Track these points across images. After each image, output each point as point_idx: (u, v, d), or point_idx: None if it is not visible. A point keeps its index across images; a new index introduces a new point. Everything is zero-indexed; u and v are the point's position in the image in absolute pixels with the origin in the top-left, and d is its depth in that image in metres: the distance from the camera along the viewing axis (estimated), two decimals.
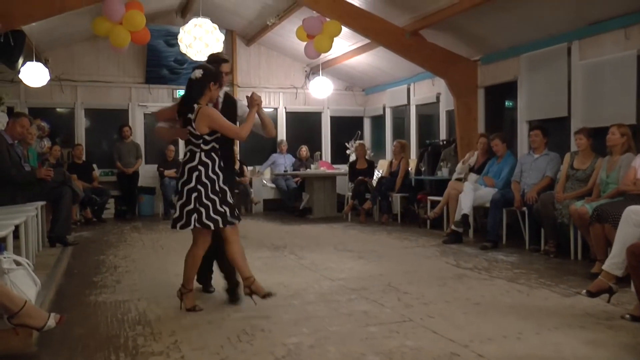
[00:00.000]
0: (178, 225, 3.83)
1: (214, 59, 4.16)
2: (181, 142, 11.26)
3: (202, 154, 3.79)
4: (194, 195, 3.75)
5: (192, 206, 3.75)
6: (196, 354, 3.03)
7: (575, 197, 5.60)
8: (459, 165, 7.73)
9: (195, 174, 3.76)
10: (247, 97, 4.05)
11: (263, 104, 4.12)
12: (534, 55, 7.38)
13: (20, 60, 8.27)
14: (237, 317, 3.73)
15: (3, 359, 2.97)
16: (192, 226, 3.78)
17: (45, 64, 9.24)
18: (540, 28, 6.99)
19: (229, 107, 4.22)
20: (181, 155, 11.02)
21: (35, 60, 8.60)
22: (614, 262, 3.77)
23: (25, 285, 3.29)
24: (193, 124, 3.77)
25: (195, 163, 3.78)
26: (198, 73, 3.80)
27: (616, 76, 6.23)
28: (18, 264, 3.38)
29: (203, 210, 3.74)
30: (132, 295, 4.40)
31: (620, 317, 3.60)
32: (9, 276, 3.20)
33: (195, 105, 3.78)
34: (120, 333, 3.44)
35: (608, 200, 5.09)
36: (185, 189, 3.77)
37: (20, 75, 8.52)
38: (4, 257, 3.31)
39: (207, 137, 3.78)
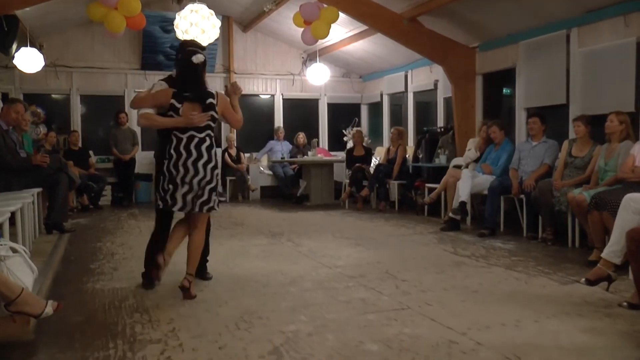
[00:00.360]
0: (206, 209, 3.89)
1: (192, 44, 4.19)
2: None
3: (213, 137, 3.92)
4: (217, 177, 3.92)
5: (214, 184, 3.86)
6: (194, 342, 3.02)
7: (573, 184, 5.60)
8: (471, 151, 7.58)
9: (214, 154, 3.90)
10: (226, 86, 4.09)
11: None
12: (532, 42, 7.33)
13: (14, 46, 8.19)
14: (234, 305, 3.72)
15: (1, 347, 2.96)
16: (215, 208, 3.92)
17: (40, 49, 9.15)
18: (539, 15, 6.94)
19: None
20: None
21: (30, 46, 8.51)
22: (612, 250, 3.78)
23: (22, 273, 3.27)
24: (216, 109, 3.88)
25: (213, 145, 3.90)
26: (201, 57, 3.87)
27: (615, 63, 6.20)
28: (14, 251, 3.36)
29: (217, 191, 3.91)
30: (130, 283, 4.39)
31: (618, 304, 3.61)
32: (5, 263, 3.18)
33: (213, 91, 3.91)
34: (117, 320, 3.43)
35: (606, 187, 5.09)
36: (212, 170, 3.84)
37: (15, 61, 8.44)
38: (0, 245, 3.29)
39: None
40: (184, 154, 3.79)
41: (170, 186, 3.82)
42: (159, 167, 4.00)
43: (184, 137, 3.81)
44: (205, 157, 3.82)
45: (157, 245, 4.05)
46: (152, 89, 4.00)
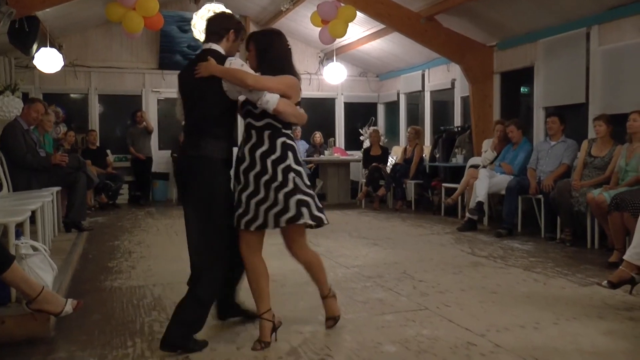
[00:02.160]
0: (283, 220, 2.98)
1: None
2: None
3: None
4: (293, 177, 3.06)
5: (290, 188, 3.02)
6: (212, 341, 3.02)
7: (593, 185, 5.53)
8: (488, 152, 7.51)
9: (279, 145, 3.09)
10: None
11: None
12: (551, 40, 7.26)
13: (35, 46, 8.26)
14: (251, 305, 3.69)
15: (21, 344, 3.00)
16: (301, 219, 3.02)
17: (59, 49, 9.24)
18: (558, 13, 6.87)
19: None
20: None
21: (49, 46, 8.59)
22: (635, 252, 3.71)
23: (43, 271, 3.31)
24: None
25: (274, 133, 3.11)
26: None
27: (637, 62, 6.11)
28: (35, 249, 3.40)
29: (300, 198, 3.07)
30: (147, 281, 4.42)
31: (639, 307, 3.56)
32: (26, 261, 3.22)
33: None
34: (136, 319, 3.46)
35: (627, 188, 5.02)
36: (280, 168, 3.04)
37: (35, 61, 8.52)
38: (22, 243, 3.32)
39: None
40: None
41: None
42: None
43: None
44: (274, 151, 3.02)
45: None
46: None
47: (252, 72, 3.02)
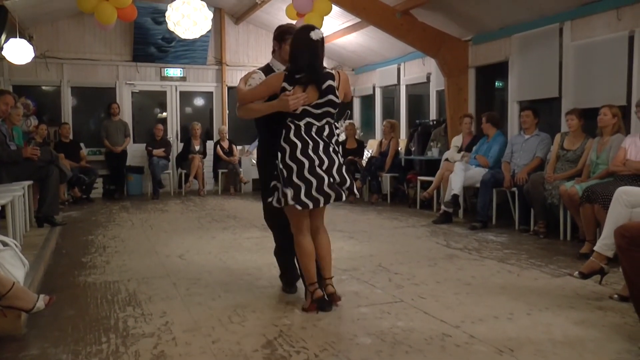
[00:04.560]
0: (347, 193, 3.44)
1: (290, 30, 3.63)
2: (170, 119, 11.16)
3: (333, 123, 3.42)
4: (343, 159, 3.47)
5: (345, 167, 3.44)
6: (187, 336, 3.01)
7: (566, 177, 5.62)
8: (451, 151, 7.70)
9: (337, 143, 3.44)
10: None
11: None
12: (525, 35, 7.34)
13: (3, 37, 8.10)
14: (227, 298, 3.71)
15: None
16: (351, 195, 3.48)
17: (30, 40, 9.05)
18: (532, 8, 6.94)
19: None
20: (169, 134, 10.94)
21: (19, 37, 8.42)
22: (605, 243, 3.80)
23: (13, 267, 3.25)
24: (337, 92, 3.36)
25: (334, 133, 3.40)
26: (320, 33, 3.36)
27: (608, 57, 6.22)
28: (5, 244, 3.34)
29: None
30: (122, 276, 4.37)
31: (609, 297, 3.64)
32: None
33: (333, 71, 3.39)
34: (110, 314, 3.42)
35: (598, 181, 5.12)
36: (335, 154, 3.36)
37: (4, 52, 8.34)
38: None
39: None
40: (303, 143, 3.27)
41: (302, 183, 3.26)
42: (266, 167, 3.54)
43: (302, 124, 3.31)
44: (322, 143, 3.31)
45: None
46: (249, 79, 3.47)
47: (255, 86, 3.43)
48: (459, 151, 7.54)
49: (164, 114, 11.37)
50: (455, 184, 6.71)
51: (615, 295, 3.60)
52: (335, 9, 7.96)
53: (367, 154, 9.95)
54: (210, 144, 11.08)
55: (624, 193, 3.93)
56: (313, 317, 3.30)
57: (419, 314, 3.35)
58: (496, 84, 8.58)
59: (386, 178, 9.03)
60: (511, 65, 7.66)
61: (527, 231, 6.10)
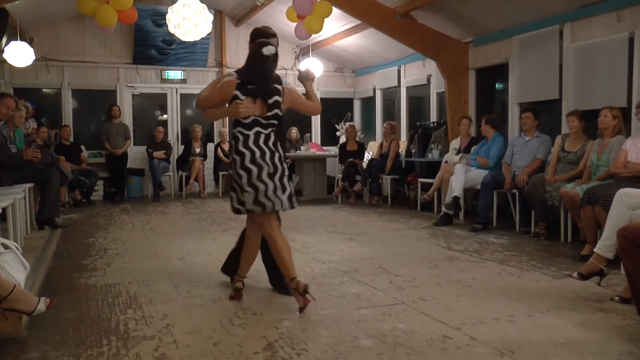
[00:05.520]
0: (294, 202, 3.63)
1: (261, 33, 3.76)
2: (170, 122, 11.17)
3: (276, 131, 3.61)
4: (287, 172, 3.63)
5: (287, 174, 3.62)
6: (188, 338, 3.01)
7: (566, 179, 5.62)
8: (450, 153, 7.73)
9: (284, 151, 3.64)
10: (300, 71, 3.89)
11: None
12: (525, 37, 7.34)
13: (4, 40, 8.11)
14: (228, 301, 3.71)
15: None
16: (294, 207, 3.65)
17: (30, 43, 9.07)
18: (532, 10, 6.95)
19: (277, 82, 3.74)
20: (170, 136, 10.96)
21: (20, 40, 8.44)
22: (605, 245, 3.80)
23: (14, 269, 3.24)
24: (281, 107, 3.58)
25: (278, 140, 3.60)
26: (272, 49, 3.54)
27: (608, 59, 6.22)
28: (6, 247, 3.34)
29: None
30: (123, 279, 4.37)
31: (610, 299, 3.63)
32: None
33: (280, 87, 3.59)
34: (111, 317, 3.42)
35: (598, 182, 5.11)
36: (280, 161, 3.56)
37: (4, 55, 8.36)
38: None
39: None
40: (253, 152, 3.49)
41: (252, 189, 3.49)
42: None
43: (251, 133, 3.52)
44: (269, 152, 3.52)
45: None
46: (219, 82, 3.69)
47: (215, 86, 3.66)
48: (457, 153, 7.55)
49: (165, 116, 11.37)
50: (456, 186, 6.71)
51: (617, 297, 3.60)
52: (335, 11, 7.97)
53: (367, 156, 9.95)
54: (210, 147, 11.09)
55: (625, 195, 3.93)
56: (314, 320, 3.30)
57: (420, 316, 3.35)
58: (496, 85, 8.58)
59: (387, 180, 9.03)
60: (511, 67, 7.66)
61: (528, 233, 6.10)
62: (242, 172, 3.50)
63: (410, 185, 8.63)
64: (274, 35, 3.78)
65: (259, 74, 3.55)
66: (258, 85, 3.53)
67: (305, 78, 3.83)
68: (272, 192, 3.49)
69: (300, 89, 3.89)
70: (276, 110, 3.56)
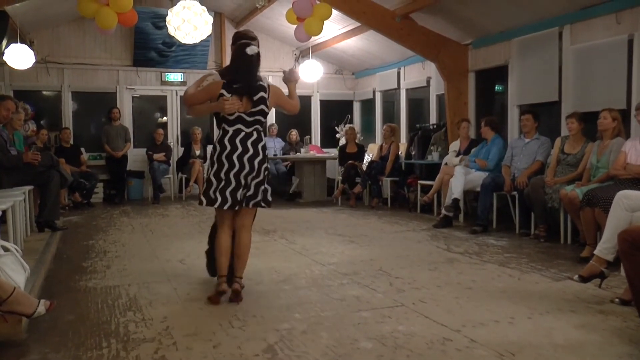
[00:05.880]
0: (252, 203, 3.75)
1: (243, 36, 3.92)
2: (170, 124, 11.18)
3: (262, 131, 3.78)
4: (266, 171, 3.77)
5: (261, 179, 3.73)
6: (188, 340, 3.01)
7: (566, 181, 5.63)
8: (450, 156, 7.74)
9: (264, 149, 3.75)
10: (284, 71, 4.03)
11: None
12: (525, 39, 7.35)
13: (4, 42, 8.12)
14: (228, 303, 3.71)
15: None
16: (262, 204, 3.77)
17: (30, 45, 9.08)
18: (531, 12, 6.95)
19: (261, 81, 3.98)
20: (170, 139, 10.97)
21: (20, 42, 8.44)
22: (605, 247, 3.80)
23: (14, 272, 3.24)
24: (267, 103, 3.73)
25: (261, 139, 3.75)
26: (255, 48, 3.72)
27: (607, 61, 6.23)
28: (6, 249, 3.33)
29: (269, 187, 3.80)
30: (123, 281, 4.37)
31: (610, 301, 3.63)
32: None
33: (265, 84, 3.75)
34: (111, 319, 3.41)
35: (598, 184, 5.11)
36: (259, 164, 3.70)
37: (5, 57, 8.37)
38: None
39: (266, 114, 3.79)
40: (228, 147, 3.66)
41: (215, 181, 3.70)
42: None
43: (231, 129, 3.69)
44: (252, 151, 3.67)
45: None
46: (203, 82, 3.86)
47: (200, 84, 3.83)
48: (457, 155, 7.55)
49: (165, 118, 11.38)
50: (456, 188, 6.71)
51: (617, 299, 3.60)
52: (335, 13, 7.98)
53: (367, 158, 9.96)
54: (210, 149, 11.06)
55: (625, 197, 3.93)
56: (314, 322, 3.30)
57: (420, 318, 3.35)
58: (496, 87, 8.59)
59: (386, 182, 9.03)
60: (511, 69, 7.67)
61: (528, 235, 6.10)
62: (214, 163, 3.70)
63: (410, 188, 8.63)
64: (254, 38, 3.93)
65: (243, 73, 3.69)
66: (243, 83, 3.68)
67: (288, 79, 3.97)
68: (230, 190, 3.66)
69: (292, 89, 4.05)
70: (262, 106, 3.71)
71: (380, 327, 3.19)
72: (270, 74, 11.58)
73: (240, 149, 3.65)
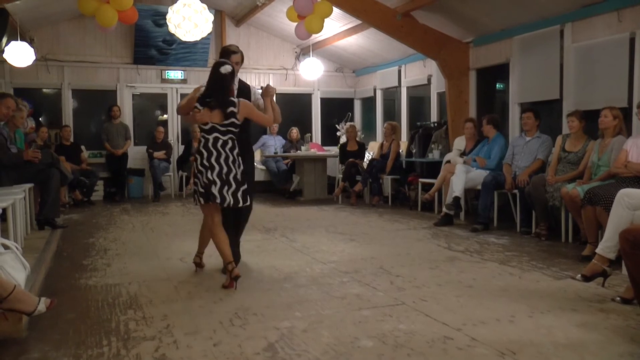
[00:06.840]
0: (232, 204, 4.15)
1: (225, 51, 4.58)
2: (170, 122, 11.18)
3: (235, 140, 4.21)
4: (239, 168, 4.19)
5: (245, 186, 4.19)
6: (189, 339, 3.01)
7: (567, 179, 5.61)
8: (453, 153, 7.72)
9: (237, 154, 4.19)
10: (262, 87, 4.54)
11: (253, 85, 4.52)
12: (526, 37, 7.34)
13: (4, 40, 8.11)
14: (228, 301, 3.71)
15: None
16: (246, 203, 4.24)
17: (31, 43, 9.07)
18: (533, 10, 6.94)
19: (244, 93, 4.60)
20: (170, 137, 10.97)
21: (20, 40, 8.43)
22: (607, 246, 3.79)
23: (14, 269, 3.24)
24: (237, 116, 4.17)
25: (235, 147, 4.19)
26: (229, 68, 4.17)
27: (608, 59, 6.22)
28: (6, 247, 3.33)
29: (247, 187, 4.24)
30: (123, 279, 4.36)
31: (611, 299, 3.62)
32: None
33: (236, 100, 4.21)
34: (111, 317, 3.41)
35: (599, 183, 5.10)
36: (232, 163, 4.13)
37: (5, 55, 8.36)
38: None
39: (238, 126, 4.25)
40: (205, 154, 4.10)
41: (202, 182, 4.11)
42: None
43: (211, 137, 4.15)
44: (224, 154, 4.12)
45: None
46: (195, 94, 4.28)
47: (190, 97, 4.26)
48: (462, 155, 7.49)
49: (165, 116, 11.37)
50: (457, 186, 6.70)
51: (618, 298, 3.59)
52: (336, 11, 7.96)
53: (368, 156, 9.95)
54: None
55: (626, 195, 3.92)
56: (314, 320, 3.29)
57: (420, 317, 3.35)
58: (497, 85, 8.58)
59: (387, 180, 9.03)
60: (512, 67, 7.66)
61: (529, 233, 6.10)
62: (201, 168, 4.11)
63: (411, 186, 8.62)
64: (235, 52, 4.56)
65: (216, 90, 4.17)
66: (216, 98, 4.15)
67: (264, 94, 4.51)
68: (217, 189, 4.07)
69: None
70: (232, 119, 4.15)
71: (381, 326, 3.19)
72: (270, 71, 11.66)
73: (215, 153, 4.11)
